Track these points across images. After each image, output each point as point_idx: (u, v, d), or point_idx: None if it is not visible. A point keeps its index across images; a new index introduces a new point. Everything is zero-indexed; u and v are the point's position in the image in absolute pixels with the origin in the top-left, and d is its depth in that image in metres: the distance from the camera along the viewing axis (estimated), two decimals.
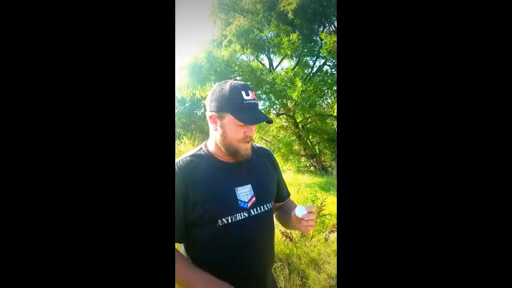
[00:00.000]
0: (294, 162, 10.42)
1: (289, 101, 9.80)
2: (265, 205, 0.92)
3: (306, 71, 10.20)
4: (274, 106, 10.42)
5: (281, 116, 10.89)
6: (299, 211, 0.86)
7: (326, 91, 9.51)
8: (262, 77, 9.44)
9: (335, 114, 10.34)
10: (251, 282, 0.90)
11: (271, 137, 11.27)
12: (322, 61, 10.18)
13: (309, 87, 8.53)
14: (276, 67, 10.80)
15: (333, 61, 9.90)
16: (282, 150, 10.06)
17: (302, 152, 10.32)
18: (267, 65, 10.83)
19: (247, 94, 0.84)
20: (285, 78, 8.95)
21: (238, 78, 10.28)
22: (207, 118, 0.90)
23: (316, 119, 10.25)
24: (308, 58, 10.20)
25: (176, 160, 0.88)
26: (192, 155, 0.91)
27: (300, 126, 10.24)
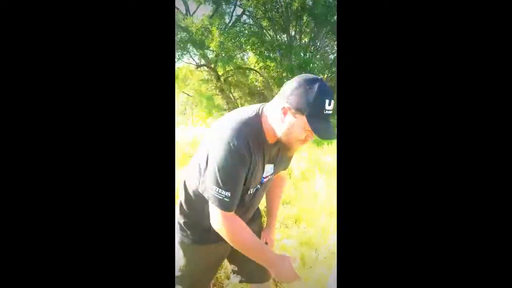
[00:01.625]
0: (217, 117, 10.35)
1: (208, 51, 9.32)
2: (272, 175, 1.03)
3: (224, 20, 9.69)
4: (192, 56, 9.83)
5: (201, 69, 10.39)
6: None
7: (243, 43, 9.29)
8: (178, 23, 8.62)
9: (255, 68, 10.36)
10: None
11: (192, 91, 10.78)
12: (241, 10, 9.78)
13: (226, 37, 8.22)
14: (193, 13, 9.94)
15: (252, 10, 9.58)
16: (204, 104, 9.81)
17: (225, 106, 10.26)
18: (183, 10, 9.87)
19: (329, 104, 0.82)
20: (201, 27, 8.39)
21: None
22: (276, 105, 0.85)
23: (237, 73, 10.11)
24: (226, 7, 9.65)
25: (236, 126, 0.83)
26: (250, 122, 0.87)
27: (222, 79, 10.00)
